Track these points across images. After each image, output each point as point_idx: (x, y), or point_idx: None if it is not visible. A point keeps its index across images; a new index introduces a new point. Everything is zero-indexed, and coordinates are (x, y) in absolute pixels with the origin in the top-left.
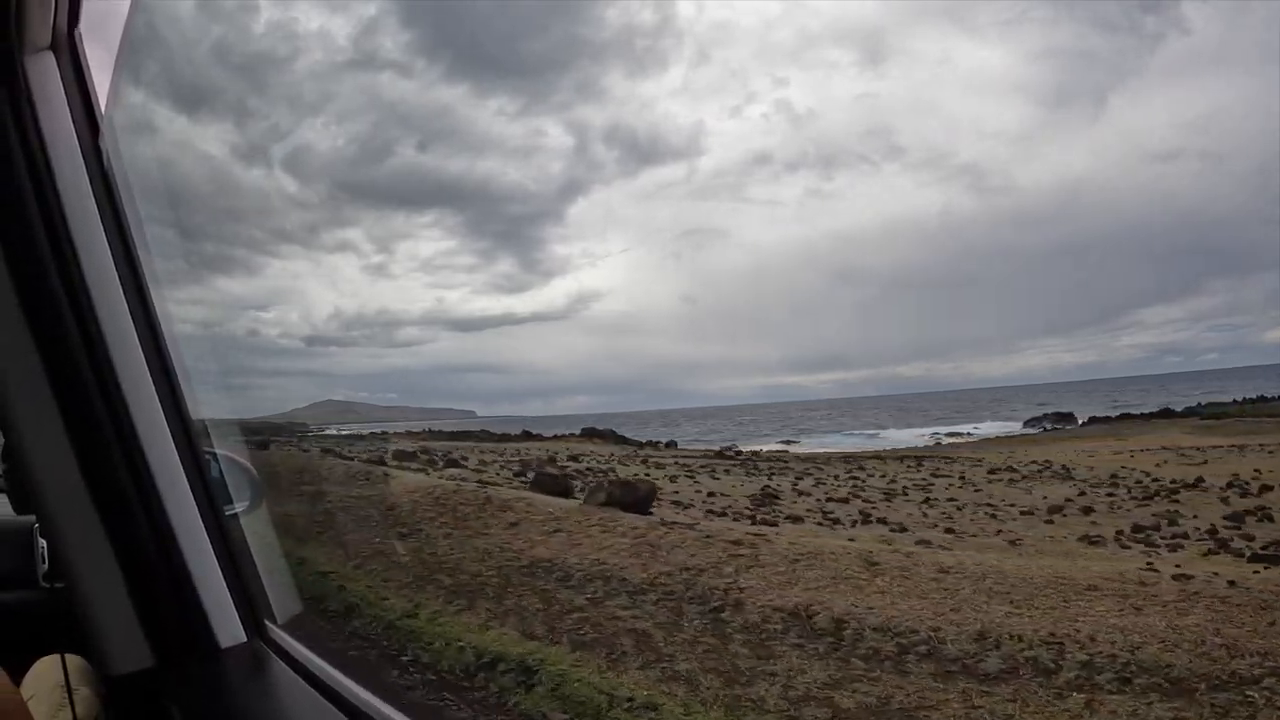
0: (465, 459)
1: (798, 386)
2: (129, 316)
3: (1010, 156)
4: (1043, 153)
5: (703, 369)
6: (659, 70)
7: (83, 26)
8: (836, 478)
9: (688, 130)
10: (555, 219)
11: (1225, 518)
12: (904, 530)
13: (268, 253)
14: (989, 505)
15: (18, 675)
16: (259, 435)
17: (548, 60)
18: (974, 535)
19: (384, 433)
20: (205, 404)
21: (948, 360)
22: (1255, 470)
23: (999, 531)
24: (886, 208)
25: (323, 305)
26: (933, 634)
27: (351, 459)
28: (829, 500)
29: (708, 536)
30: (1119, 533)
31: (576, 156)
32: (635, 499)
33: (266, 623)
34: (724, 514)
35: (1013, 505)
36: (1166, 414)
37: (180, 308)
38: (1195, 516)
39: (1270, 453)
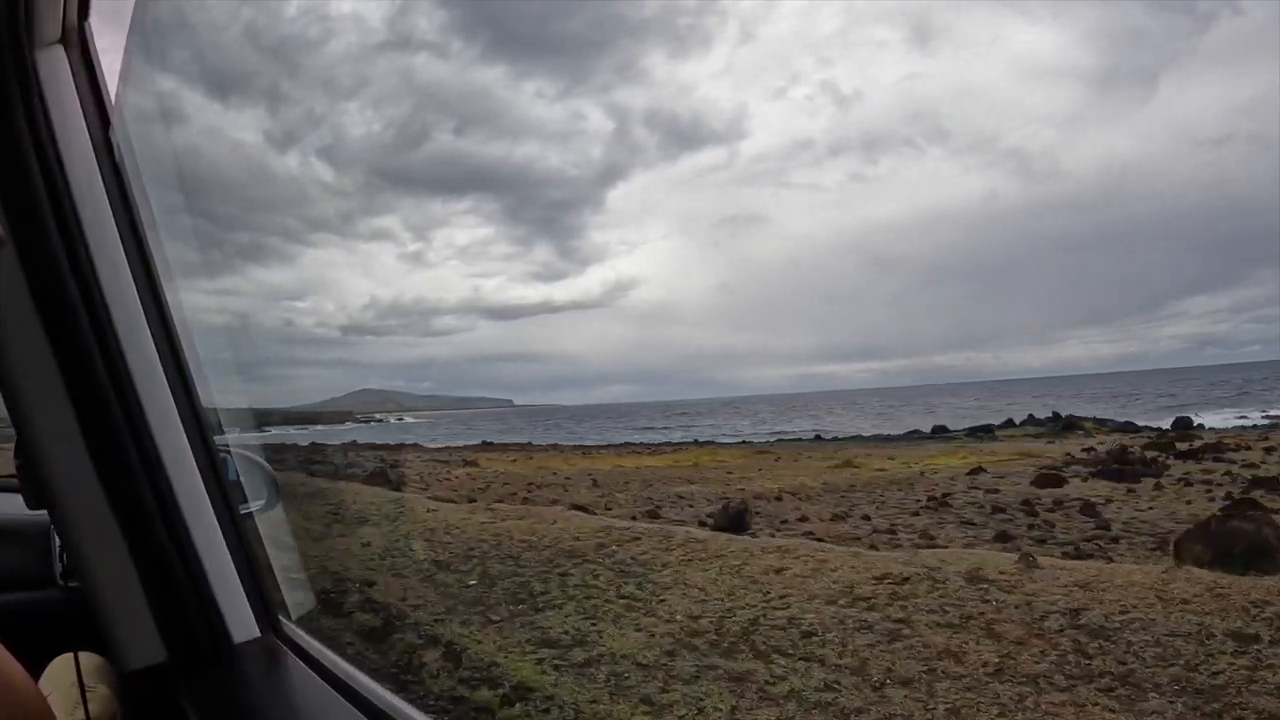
0: None
1: (833, 376)
2: (142, 312)
3: (1057, 140)
4: (1090, 136)
5: (739, 358)
6: (702, 50)
7: (92, 18)
8: None
9: (730, 113)
10: (594, 205)
11: None
12: None
13: (303, 242)
14: None
15: (35, 672)
16: (301, 425)
17: (587, 40)
18: None
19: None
20: (241, 395)
21: (986, 350)
22: None
23: None
24: (929, 193)
25: (358, 294)
26: None
27: None
28: None
29: None
30: None
31: (616, 140)
32: None
33: (281, 618)
34: None
35: None
36: None
37: (200, 300)
38: None
39: None
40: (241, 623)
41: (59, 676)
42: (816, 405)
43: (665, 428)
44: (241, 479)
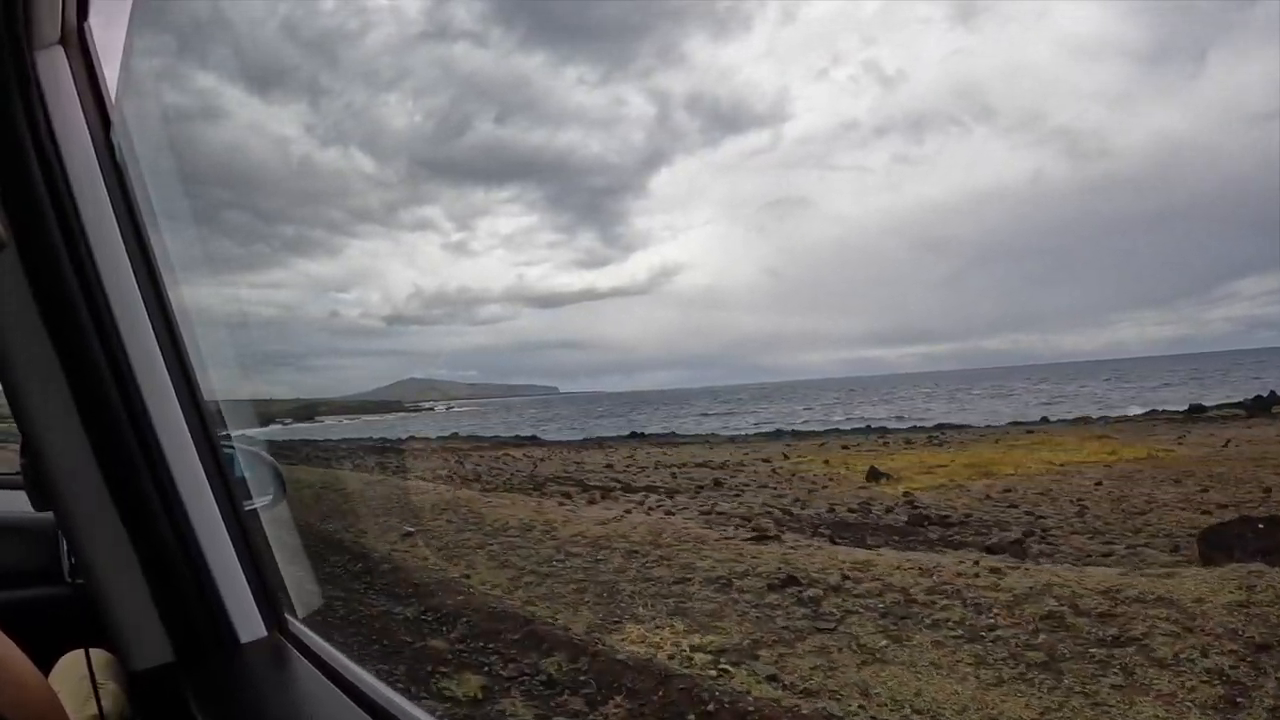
0: None
1: (880, 360)
2: (144, 310)
3: (1105, 118)
4: (1139, 114)
5: (785, 343)
6: (743, 32)
7: (92, 19)
8: None
9: (772, 95)
10: (637, 191)
11: None
12: None
13: (348, 233)
14: None
15: (45, 669)
16: (350, 415)
17: (627, 24)
18: None
19: None
20: (283, 387)
21: (1034, 333)
22: None
23: None
24: (976, 174)
25: (403, 284)
26: None
27: None
28: None
29: None
30: None
31: (658, 126)
32: None
33: (287, 617)
34: None
35: None
36: None
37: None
38: None
39: None
40: (247, 622)
41: (68, 673)
42: (882, 390)
43: (751, 411)
44: (247, 475)
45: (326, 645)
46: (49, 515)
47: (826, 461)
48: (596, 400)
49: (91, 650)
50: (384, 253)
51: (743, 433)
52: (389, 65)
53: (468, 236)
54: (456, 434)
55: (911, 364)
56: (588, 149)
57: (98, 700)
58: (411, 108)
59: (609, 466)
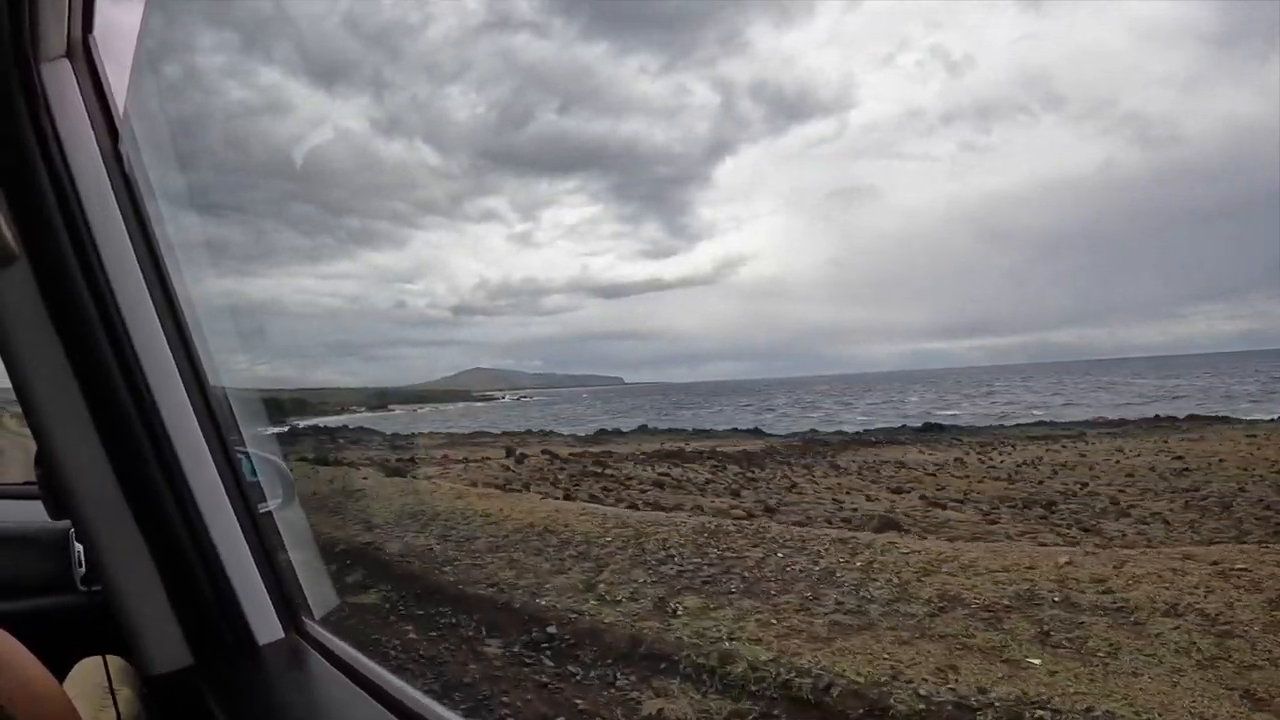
0: None
1: (944, 353)
2: (157, 320)
3: (1176, 104)
4: (1210, 99)
5: (850, 334)
6: (806, 18)
7: (97, 31)
8: None
9: (837, 83)
10: (702, 181)
11: None
12: None
13: (413, 225)
14: None
15: (58, 678)
16: (418, 403)
17: (688, 12)
18: None
19: None
20: (350, 375)
21: (1102, 326)
22: None
23: None
24: (1044, 162)
25: (468, 275)
26: None
27: None
28: None
29: None
30: None
31: (723, 114)
32: None
33: (304, 618)
34: None
35: None
36: None
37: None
38: None
39: None
40: (265, 624)
41: (84, 680)
42: (967, 383)
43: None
44: (259, 478)
45: (345, 646)
46: (60, 524)
47: None
48: (668, 391)
49: (107, 657)
50: (449, 244)
51: (996, 425)
52: (451, 58)
53: (532, 227)
54: (645, 426)
55: (976, 357)
56: (651, 139)
57: (116, 707)
58: (474, 99)
59: None
